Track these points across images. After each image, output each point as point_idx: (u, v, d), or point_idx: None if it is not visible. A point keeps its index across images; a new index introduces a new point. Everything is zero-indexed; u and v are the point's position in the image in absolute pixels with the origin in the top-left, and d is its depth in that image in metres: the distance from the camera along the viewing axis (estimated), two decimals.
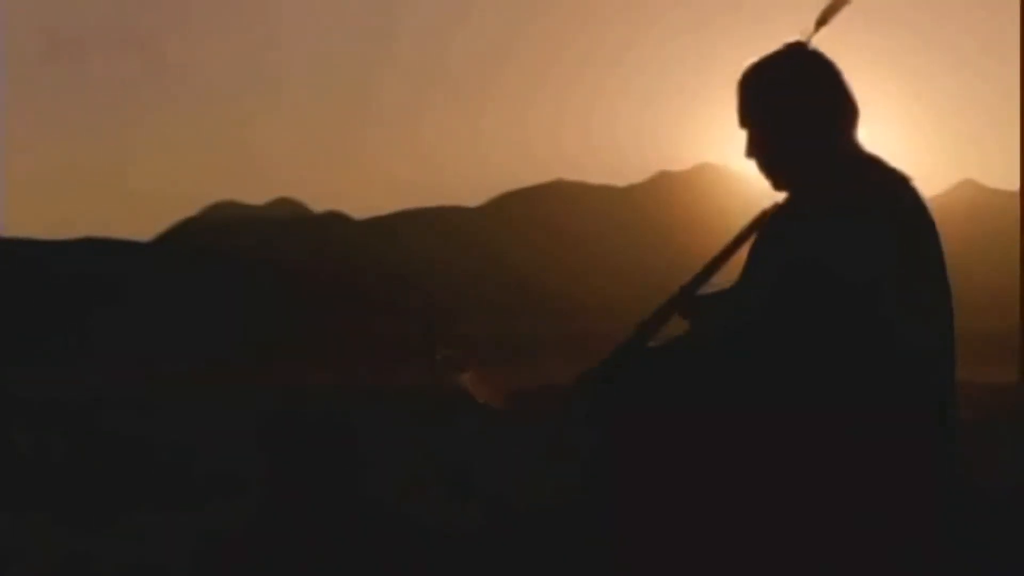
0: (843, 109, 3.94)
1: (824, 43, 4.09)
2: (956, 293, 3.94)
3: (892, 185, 3.88)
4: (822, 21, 4.06)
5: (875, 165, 3.93)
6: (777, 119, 3.94)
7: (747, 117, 3.99)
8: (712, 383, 3.80)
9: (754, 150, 3.99)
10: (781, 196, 4.03)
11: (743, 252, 4.08)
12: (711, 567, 3.74)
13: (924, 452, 3.78)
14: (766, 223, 3.97)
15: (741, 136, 4.06)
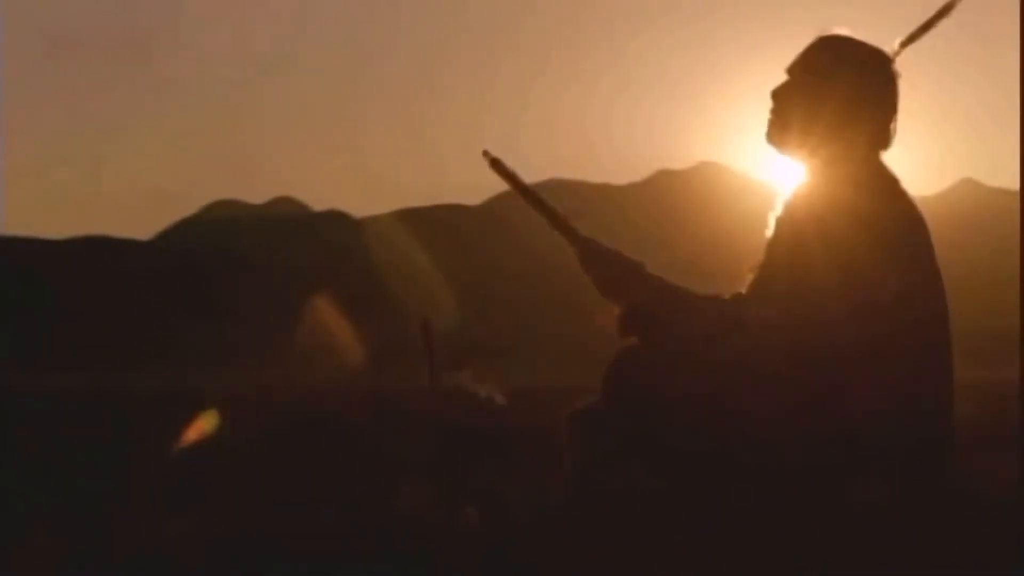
0: (885, 134, 3.92)
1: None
2: (956, 291, 3.94)
3: (893, 190, 3.89)
4: (907, 42, 4.05)
5: (882, 170, 3.93)
6: (824, 92, 3.90)
7: (801, 68, 3.93)
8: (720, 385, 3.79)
9: (781, 96, 3.93)
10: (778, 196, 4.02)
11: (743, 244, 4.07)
12: (711, 567, 3.75)
13: (923, 453, 3.78)
14: (781, 215, 3.93)
15: (741, 136, 4.08)
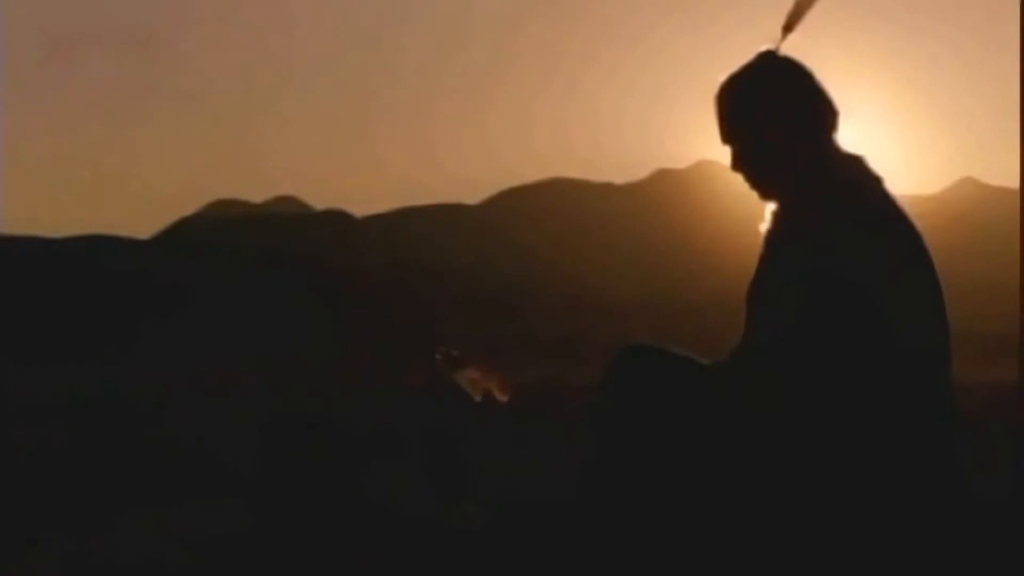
0: (820, 113, 3.93)
1: (824, 43, 4.09)
2: (956, 290, 3.94)
3: (871, 188, 3.89)
4: (788, 27, 4.05)
5: (855, 167, 3.93)
6: (756, 131, 3.93)
7: (728, 133, 3.99)
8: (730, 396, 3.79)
9: (739, 164, 3.98)
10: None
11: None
12: (712, 569, 3.75)
13: (923, 450, 3.78)
14: (766, 239, 3.95)
15: None
